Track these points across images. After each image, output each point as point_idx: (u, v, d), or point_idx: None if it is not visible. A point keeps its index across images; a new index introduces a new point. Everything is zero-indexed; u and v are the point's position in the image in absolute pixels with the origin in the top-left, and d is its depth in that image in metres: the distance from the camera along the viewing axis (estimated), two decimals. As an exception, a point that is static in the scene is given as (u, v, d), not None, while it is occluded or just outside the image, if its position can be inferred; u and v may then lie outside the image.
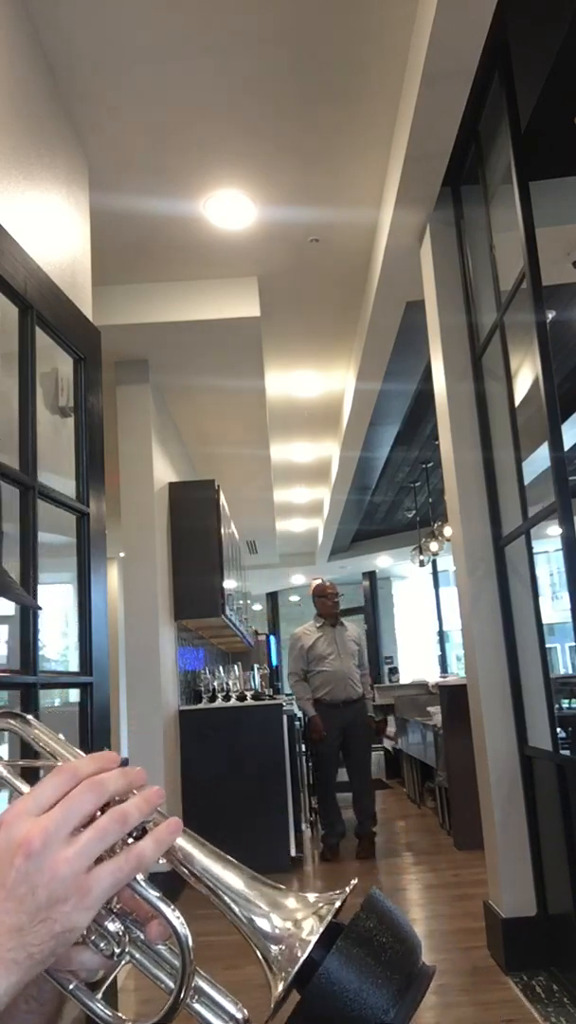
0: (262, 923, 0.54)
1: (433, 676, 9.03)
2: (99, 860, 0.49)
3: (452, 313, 3.28)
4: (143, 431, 4.68)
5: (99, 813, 0.51)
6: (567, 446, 3.69)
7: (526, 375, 2.85)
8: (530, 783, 2.87)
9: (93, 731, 2.14)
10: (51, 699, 2.69)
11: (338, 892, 0.56)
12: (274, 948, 0.53)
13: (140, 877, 0.51)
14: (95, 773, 0.51)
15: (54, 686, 2.40)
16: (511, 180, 2.67)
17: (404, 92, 2.81)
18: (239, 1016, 0.54)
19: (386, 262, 3.61)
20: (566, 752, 2.73)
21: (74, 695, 2.22)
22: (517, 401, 2.93)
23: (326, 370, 5.55)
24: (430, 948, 3.25)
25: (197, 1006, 0.54)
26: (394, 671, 12.06)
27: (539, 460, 2.84)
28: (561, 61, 2.64)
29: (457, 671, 10.59)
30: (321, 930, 0.52)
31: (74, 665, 2.23)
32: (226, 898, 0.54)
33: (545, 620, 2.91)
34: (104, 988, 0.55)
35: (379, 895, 0.57)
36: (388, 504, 10.04)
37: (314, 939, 0.52)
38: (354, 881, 0.58)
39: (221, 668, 5.73)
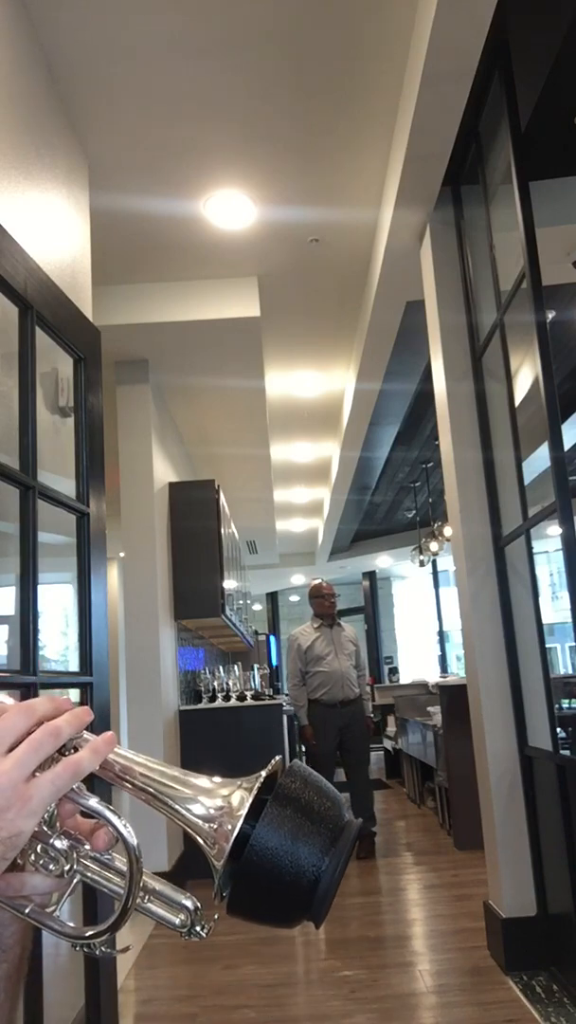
0: (196, 808, 0.56)
1: (433, 676, 9.03)
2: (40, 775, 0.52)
3: (452, 313, 3.28)
4: (143, 431, 4.68)
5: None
6: (567, 446, 3.68)
7: (526, 375, 2.85)
8: (530, 783, 2.87)
9: (93, 731, 2.13)
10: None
11: (263, 770, 0.59)
12: (208, 827, 0.55)
13: (80, 787, 0.54)
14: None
15: (54, 686, 2.40)
16: (511, 180, 2.67)
17: (404, 92, 2.81)
18: (189, 905, 0.57)
19: (386, 262, 3.61)
20: (566, 752, 2.72)
21: (74, 695, 2.22)
22: (517, 401, 2.93)
23: (326, 370, 5.55)
24: (430, 948, 3.25)
25: (150, 905, 0.57)
26: (394, 671, 12.07)
27: (539, 460, 2.83)
28: (561, 61, 2.63)
29: (457, 671, 10.59)
30: (248, 805, 0.55)
31: (74, 665, 2.23)
32: (164, 799, 0.57)
33: (545, 620, 2.90)
34: (61, 904, 0.57)
35: (299, 763, 0.60)
36: (388, 504, 10.04)
37: (243, 812, 0.55)
38: (277, 757, 0.60)
39: (221, 668, 5.73)
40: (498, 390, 3.06)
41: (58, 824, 0.56)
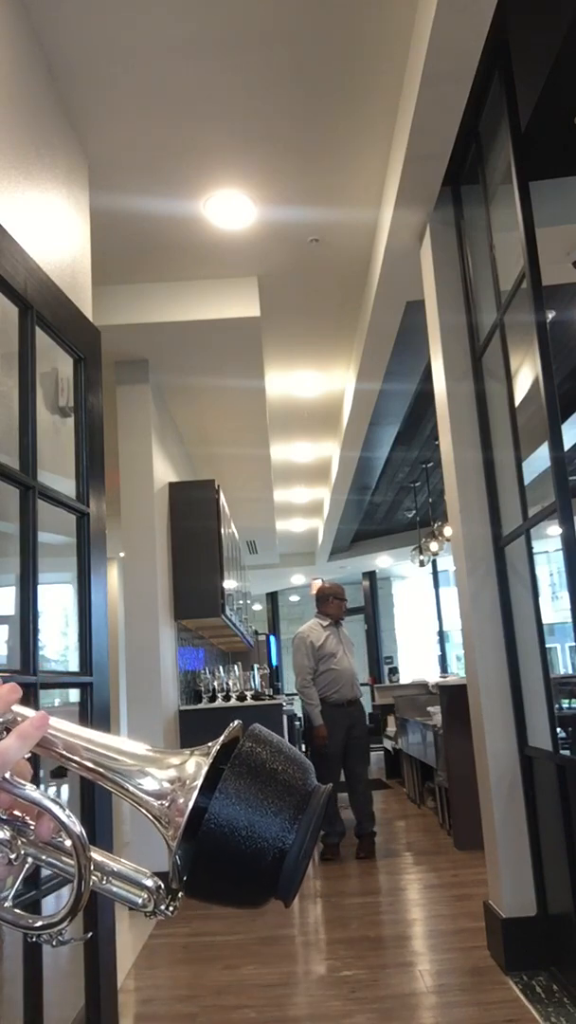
0: (145, 782, 0.52)
1: (433, 676, 9.03)
2: None
3: (452, 313, 3.28)
4: (143, 431, 4.68)
5: None
6: (567, 446, 3.68)
7: (526, 375, 2.85)
8: (530, 783, 2.87)
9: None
10: (51, 699, 2.69)
11: (221, 735, 0.54)
12: (158, 803, 0.51)
13: (11, 776, 0.51)
14: None
15: (54, 686, 2.40)
16: (511, 180, 2.67)
17: (404, 92, 2.81)
18: (150, 884, 0.53)
19: (386, 262, 3.61)
20: (566, 752, 2.72)
21: (74, 695, 2.22)
22: (517, 401, 2.93)
23: (326, 370, 5.55)
24: (430, 948, 3.25)
25: (110, 886, 0.54)
26: (394, 671, 12.07)
27: (539, 460, 2.83)
28: (561, 61, 2.63)
29: (457, 671, 10.59)
30: (203, 775, 0.51)
31: (74, 665, 2.23)
32: (109, 774, 0.53)
33: (545, 620, 2.90)
34: (12, 893, 0.54)
35: (260, 726, 0.55)
36: (388, 504, 10.04)
37: (197, 784, 0.50)
38: (236, 722, 0.56)
39: (221, 668, 5.73)
40: (498, 390, 3.06)
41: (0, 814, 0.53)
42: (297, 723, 5.69)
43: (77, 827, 0.51)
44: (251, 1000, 2.81)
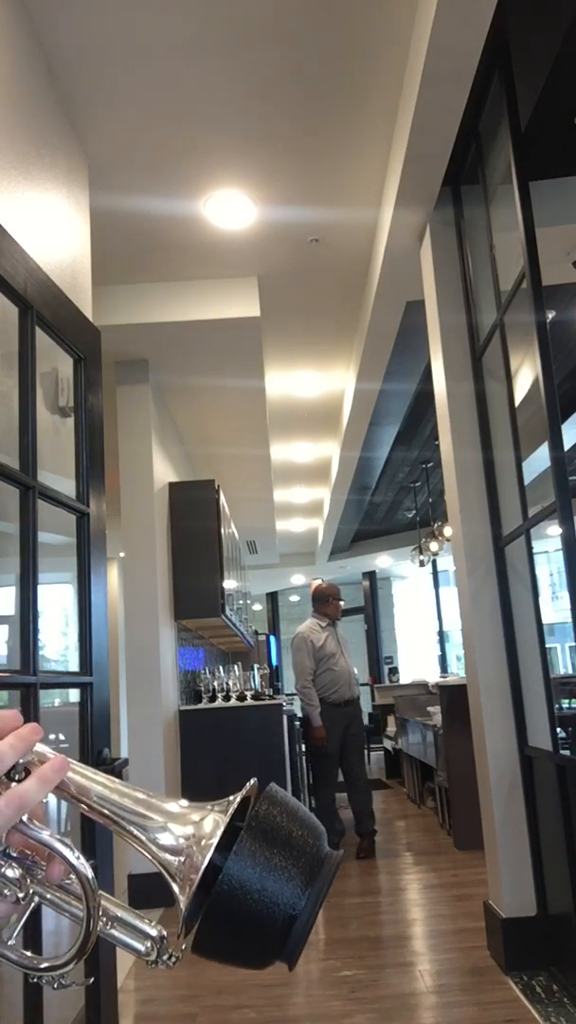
0: (162, 838, 0.52)
1: (433, 676, 9.03)
2: None
3: (452, 313, 3.28)
4: (143, 431, 4.68)
5: None
6: (567, 446, 3.68)
7: (526, 375, 2.85)
8: (530, 783, 2.87)
9: (93, 731, 2.13)
10: (51, 699, 2.69)
11: (238, 793, 0.54)
12: (175, 860, 0.51)
13: (27, 819, 0.51)
14: None
15: (54, 686, 2.40)
16: (511, 180, 2.67)
17: (404, 92, 2.81)
18: (154, 934, 0.53)
19: (386, 262, 3.61)
20: (566, 752, 2.72)
21: (74, 695, 2.22)
22: (517, 401, 2.93)
23: (326, 370, 5.55)
24: (430, 948, 3.25)
25: (114, 932, 0.54)
26: (394, 671, 12.06)
27: (539, 460, 2.83)
28: (561, 61, 2.64)
29: (457, 671, 10.59)
30: (219, 833, 0.50)
31: (74, 665, 2.23)
32: (124, 823, 0.53)
33: (545, 620, 2.90)
34: (16, 932, 0.54)
35: (277, 787, 0.55)
36: (388, 504, 10.04)
37: (213, 842, 0.50)
38: (252, 780, 0.56)
39: (221, 668, 5.73)
40: (498, 390, 3.06)
41: (10, 851, 0.52)
42: (297, 723, 5.68)
43: (88, 871, 0.51)
44: (251, 1000, 2.81)
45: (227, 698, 5.12)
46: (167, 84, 2.78)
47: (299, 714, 5.55)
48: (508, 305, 2.81)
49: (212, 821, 0.51)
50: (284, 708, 5.05)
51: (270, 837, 0.51)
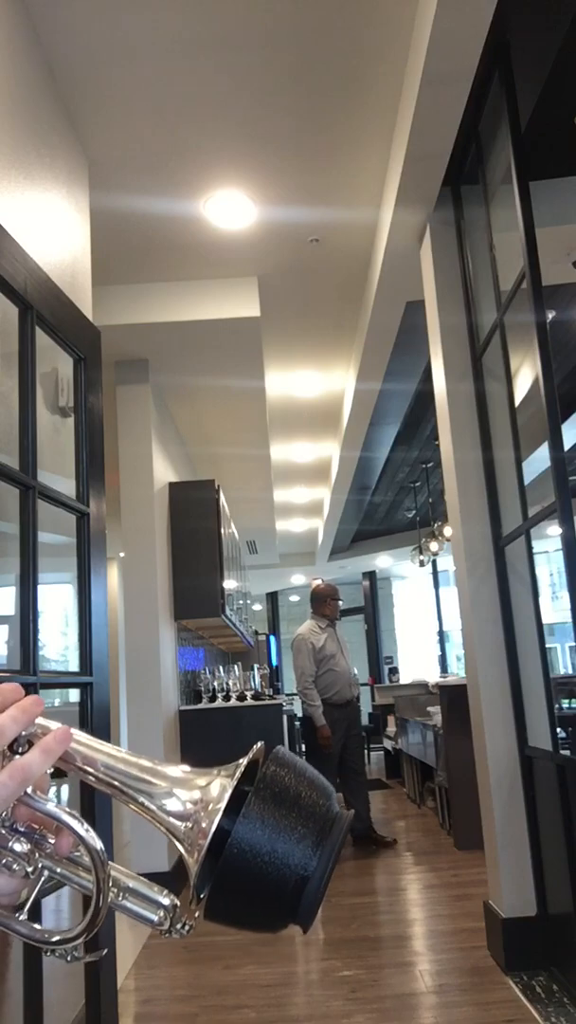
0: (169, 803, 0.51)
1: (433, 676, 9.03)
2: None
3: (452, 313, 3.28)
4: (143, 431, 4.68)
5: None
6: (567, 446, 3.69)
7: (526, 375, 2.85)
8: (530, 783, 2.87)
9: (93, 731, 2.13)
10: (51, 699, 2.69)
11: (244, 757, 0.53)
12: (183, 825, 0.50)
13: (32, 791, 0.50)
14: None
15: (54, 686, 2.40)
16: (511, 180, 2.67)
17: (404, 92, 2.81)
18: (166, 903, 0.53)
19: (386, 262, 3.61)
20: (566, 752, 2.72)
21: (74, 695, 2.22)
22: (517, 401, 2.93)
23: (326, 370, 5.55)
24: (430, 948, 3.25)
25: (125, 903, 0.53)
26: (394, 671, 12.06)
27: (539, 460, 2.84)
28: (561, 61, 2.64)
29: (457, 671, 10.59)
30: (227, 796, 0.50)
31: (74, 665, 2.23)
32: (132, 792, 0.52)
33: (545, 620, 2.90)
34: (28, 907, 0.53)
35: (284, 749, 0.54)
36: (388, 504, 10.04)
37: (221, 806, 0.49)
38: (259, 744, 0.55)
39: (221, 668, 5.73)
40: (498, 390, 3.06)
41: (17, 825, 0.52)
42: (297, 723, 5.69)
43: (97, 842, 0.50)
44: (251, 1000, 2.81)
45: (227, 698, 5.12)
46: (167, 84, 2.78)
47: (299, 714, 5.56)
48: (508, 305, 2.81)
49: (219, 785, 0.51)
50: (284, 708, 5.06)
51: (279, 799, 0.51)
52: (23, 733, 0.51)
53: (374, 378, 4.99)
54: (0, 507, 1.93)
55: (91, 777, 0.53)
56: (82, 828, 0.50)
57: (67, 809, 0.51)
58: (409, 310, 4.03)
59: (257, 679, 5.81)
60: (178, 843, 0.50)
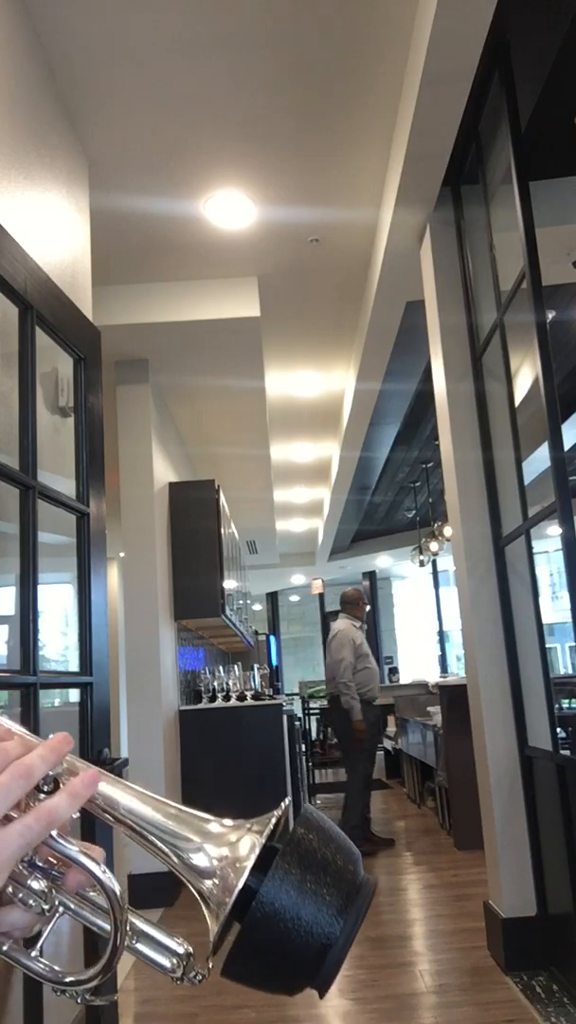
0: (195, 858, 0.51)
1: (433, 676, 9.03)
2: (9, 819, 0.47)
3: (452, 313, 3.28)
4: (143, 431, 4.68)
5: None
6: (567, 446, 3.69)
7: (526, 375, 2.85)
8: (530, 783, 2.87)
9: (93, 731, 2.14)
10: (51, 699, 2.69)
11: (274, 812, 0.52)
12: (208, 883, 0.50)
13: (56, 834, 0.49)
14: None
15: (54, 686, 2.40)
16: (511, 180, 2.67)
17: (404, 92, 2.81)
18: (180, 951, 0.52)
19: (386, 262, 3.61)
20: (566, 752, 2.73)
21: (74, 695, 2.22)
22: (517, 401, 2.93)
23: (326, 370, 5.55)
24: (430, 948, 3.25)
25: (140, 947, 0.52)
26: (394, 671, 12.06)
27: (539, 460, 2.84)
28: (561, 61, 2.64)
29: (457, 671, 10.59)
30: (255, 856, 0.49)
31: (74, 665, 2.23)
32: (153, 838, 0.51)
33: (545, 620, 2.90)
34: (41, 943, 0.53)
35: (312, 809, 0.53)
36: (388, 504, 10.04)
37: (248, 865, 0.49)
38: (287, 800, 0.55)
39: (221, 668, 5.73)
40: (498, 390, 3.06)
41: (36, 860, 0.51)
42: (297, 723, 5.69)
43: (115, 886, 0.50)
44: (251, 1000, 2.81)
45: (227, 698, 5.12)
46: (167, 84, 2.78)
47: (299, 714, 5.56)
48: (508, 305, 2.81)
49: (249, 842, 0.50)
50: (284, 708, 5.05)
51: (306, 862, 0.50)
52: (50, 773, 0.50)
53: (374, 378, 4.99)
54: (0, 507, 1.93)
55: (110, 817, 0.52)
56: (100, 871, 0.50)
57: (87, 851, 0.50)
58: (409, 310, 4.03)
59: (257, 679, 5.81)
60: (203, 901, 0.50)
